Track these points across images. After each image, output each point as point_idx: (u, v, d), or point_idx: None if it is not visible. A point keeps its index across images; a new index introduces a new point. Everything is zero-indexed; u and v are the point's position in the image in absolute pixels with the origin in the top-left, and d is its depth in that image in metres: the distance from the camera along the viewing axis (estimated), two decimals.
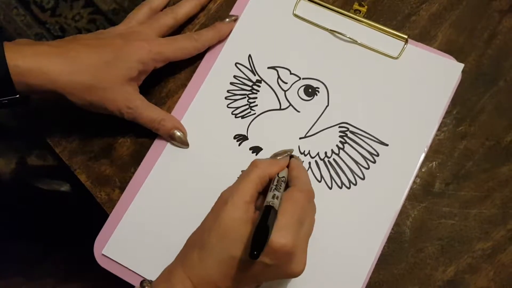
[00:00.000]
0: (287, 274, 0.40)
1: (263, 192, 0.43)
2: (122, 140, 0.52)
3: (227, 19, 0.52)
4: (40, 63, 0.43)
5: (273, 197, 0.39)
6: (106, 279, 0.48)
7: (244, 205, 0.40)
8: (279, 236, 0.37)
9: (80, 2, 1.19)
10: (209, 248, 0.39)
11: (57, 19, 1.18)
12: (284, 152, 0.47)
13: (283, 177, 0.43)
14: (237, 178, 0.44)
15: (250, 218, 0.40)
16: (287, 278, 0.44)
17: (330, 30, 0.51)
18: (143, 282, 0.42)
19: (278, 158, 0.46)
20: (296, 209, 0.40)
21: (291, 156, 0.46)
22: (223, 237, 0.39)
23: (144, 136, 0.51)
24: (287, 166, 0.45)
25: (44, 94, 0.45)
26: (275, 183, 0.41)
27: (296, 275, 0.41)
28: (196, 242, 0.41)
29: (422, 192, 0.47)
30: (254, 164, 0.43)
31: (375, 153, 0.48)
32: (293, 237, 0.38)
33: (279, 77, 0.51)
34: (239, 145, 0.49)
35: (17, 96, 0.44)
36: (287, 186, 0.43)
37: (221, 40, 0.52)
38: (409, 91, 0.49)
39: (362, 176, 0.48)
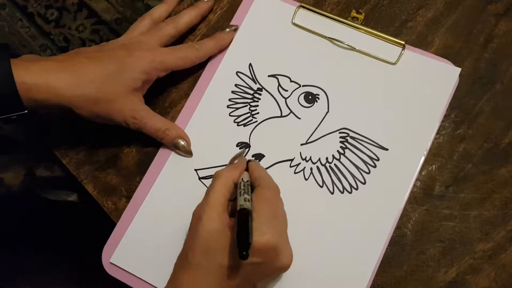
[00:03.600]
0: (279, 269, 0.42)
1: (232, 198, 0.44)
2: (128, 150, 0.53)
3: (227, 29, 0.53)
4: (46, 78, 0.44)
5: (244, 200, 0.41)
6: (115, 287, 0.49)
7: (218, 216, 0.41)
8: (261, 233, 0.39)
9: (83, 13, 1.20)
10: (196, 265, 0.40)
11: (61, 30, 1.20)
12: (238, 155, 0.48)
13: (247, 180, 0.44)
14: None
15: (227, 226, 0.41)
16: (279, 273, 0.45)
17: (329, 37, 0.52)
18: None
19: (235, 162, 0.47)
20: (268, 205, 0.42)
21: (248, 160, 0.48)
22: (207, 250, 0.40)
23: (149, 145, 0.52)
24: (247, 170, 0.46)
25: (51, 108, 0.46)
26: (242, 187, 0.43)
27: (286, 267, 0.42)
28: (183, 263, 0.41)
29: (422, 195, 0.48)
30: (216, 175, 0.44)
31: (376, 158, 0.49)
32: (274, 232, 0.40)
33: (279, 85, 0.52)
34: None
35: (25, 111, 0.45)
36: (252, 188, 0.44)
37: (222, 49, 0.53)
38: (408, 95, 0.50)
39: (363, 181, 0.48)
